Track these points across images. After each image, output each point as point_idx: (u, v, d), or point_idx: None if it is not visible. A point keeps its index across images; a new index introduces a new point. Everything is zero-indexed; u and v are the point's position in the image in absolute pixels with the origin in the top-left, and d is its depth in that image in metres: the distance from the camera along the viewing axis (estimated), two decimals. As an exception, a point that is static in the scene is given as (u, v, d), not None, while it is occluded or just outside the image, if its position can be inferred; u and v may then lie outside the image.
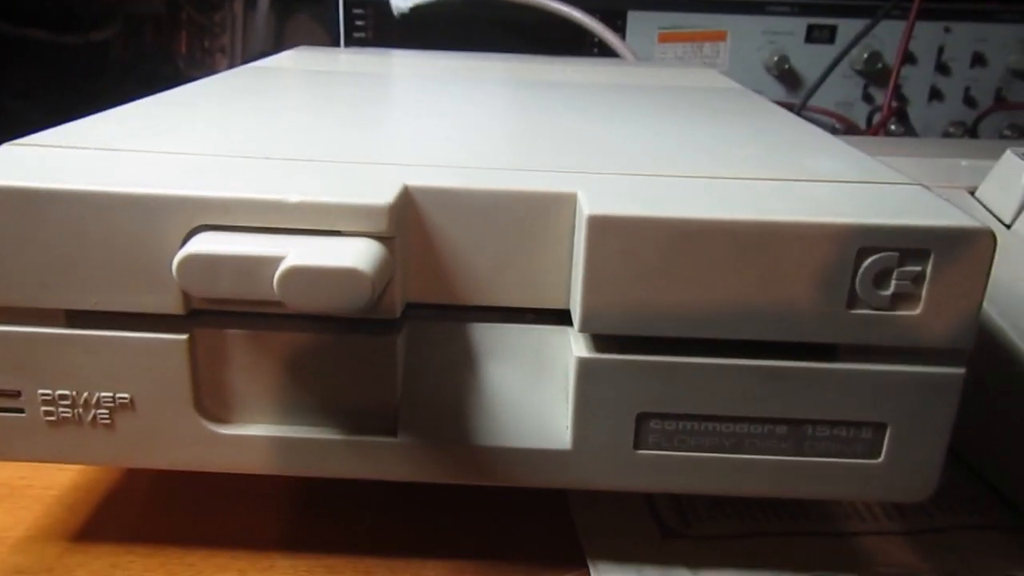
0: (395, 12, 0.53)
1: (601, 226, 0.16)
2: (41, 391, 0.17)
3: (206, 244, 0.15)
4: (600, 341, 0.17)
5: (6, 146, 0.18)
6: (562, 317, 0.18)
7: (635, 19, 0.56)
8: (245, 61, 0.77)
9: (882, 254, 0.16)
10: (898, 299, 0.16)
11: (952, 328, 0.16)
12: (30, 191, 0.16)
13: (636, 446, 0.17)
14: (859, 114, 0.58)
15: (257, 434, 0.18)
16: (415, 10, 0.53)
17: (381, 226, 0.16)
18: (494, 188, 0.17)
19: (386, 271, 0.16)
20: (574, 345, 0.17)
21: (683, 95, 0.31)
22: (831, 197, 0.17)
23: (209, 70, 0.76)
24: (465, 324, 0.18)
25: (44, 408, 0.17)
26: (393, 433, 0.17)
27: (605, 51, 0.54)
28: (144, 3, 0.66)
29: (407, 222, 0.17)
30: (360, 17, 0.56)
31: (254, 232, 0.16)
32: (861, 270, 0.16)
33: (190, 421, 0.17)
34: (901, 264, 0.16)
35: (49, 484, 0.22)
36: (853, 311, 0.16)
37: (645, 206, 0.16)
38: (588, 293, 0.16)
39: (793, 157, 0.20)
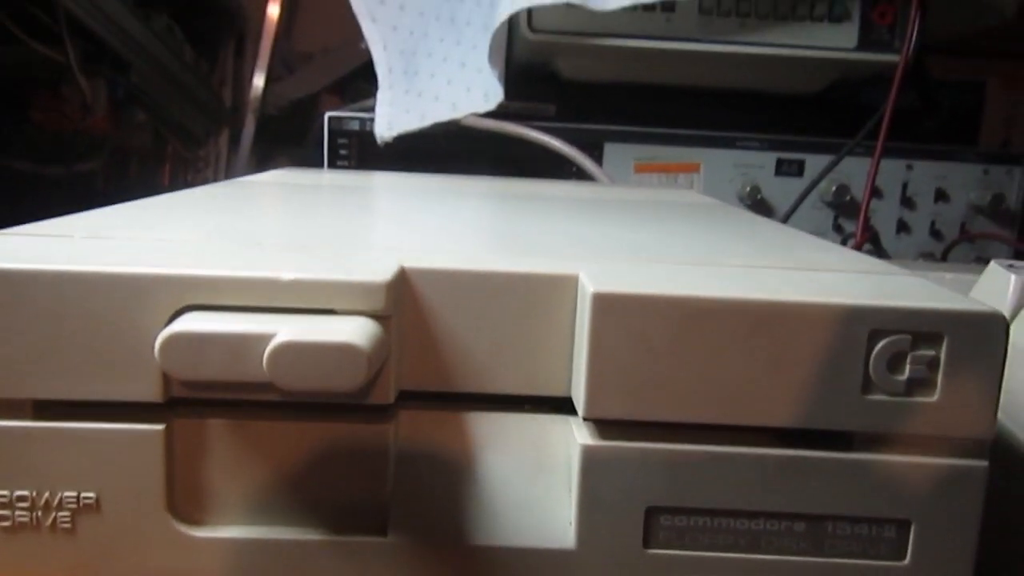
0: (379, 140, 0.55)
1: (606, 304, 0.15)
2: (-2, 491, 0.16)
3: (192, 322, 0.15)
4: (605, 428, 0.16)
5: (-14, 232, 0.17)
6: (562, 406, 0.17)
7: (611, 151, 0.58)
8: (227, 194, 0.78)
9: (895, 337, 0.15)
10: (914, 385, 0.15)
11: (971, 416, 0.16)
12: (5, 273, 0.15)
13: (646, 544, 0.16)
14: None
15: (235, 536, 0.16)
16: (398, 139, 0.55)
17: (378, 304, 0.15)
18: (493, 269, 0.16)
19: (382, 350, 0.15)
20: (577, 433, 0.16)
21: (669, 207, 0.31)
22: (838, 283, 0.17)
23: (190, 202, 0.76)
24: (461, 413, 0.17)
25: (-1, 511, 0.16)
26: (383, 532, 0.16)
27: (583, 179, 0.56)
28: (131, 137, 0.68)
29: (403, 304, 0.16)
30: (344, 146, 0.57)
31: (244, 312, 0.15)
32: (874, 353, 0.15)
33: (161, 523, 0.16)
34: (914, 348, 0.15)
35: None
36: (868, 397, 0.15)
37: (651, 285, 0.15)
38: (593, 376, 0.15)
39: (792, 252, 0.20)
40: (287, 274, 0.15)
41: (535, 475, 0.17)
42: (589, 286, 0.15)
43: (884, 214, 0.59)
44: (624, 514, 0.16)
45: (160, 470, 0.16)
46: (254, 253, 0.17)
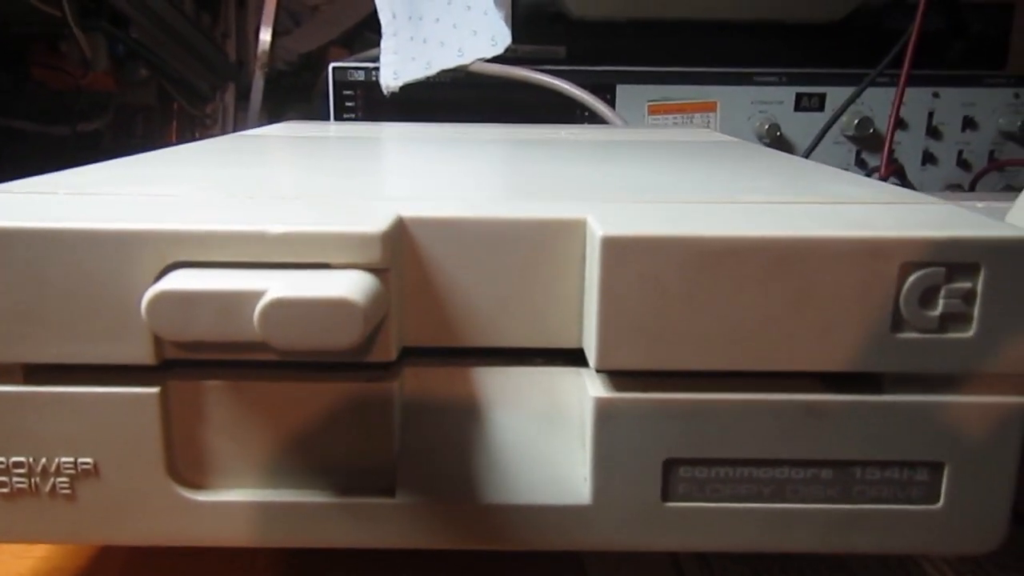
0: (385, 91, 0.53)
1: (616, 248, 0.14)
2: (-7, 458, 0.15)
3: (180, 280, 0.14)
4: (619, 379, 0.15)
5: (-35, 192, 0.17)
6: (574, 358, 0.16)
7: (624, 92, 0.56)
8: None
9: (927, 270, 0.14)
10: (948, 320, 0.14)
11: (1010, 351, 0.15)
12: (-16, 230, 0.14)
13: (664, 498, 0.15)
14: (854, 179, 0.57)
15: (238, 500, 0.16)
16: (405, 89, 0.53)
17: (374, 256, 0.14)
18: (495, 216, 0.15)
19: (380, 305, 0.14)
20: (590, 386, 0.15)
21: (685, 146, 0.30)
22: (864, 214, 0.16)
23: (200, 160, 0.76)
24: (468, 368, 0.16)
25: (-3, 478, 0.15)
26: (391, 493, 0.15)
27: (596, 122, 0.54)
28: (136, 94, 0.67)
29: (402, 256, 0.15)
30: (350, 98, 0.56)
31: (233, 268, 0.14)
32: (905, 288, 0.14)
33: (162, 488, 0.15)
34: (948, 280, 0.14)
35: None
36: (899, 335, 0.15)
37: (663, 225, 0.15)
38: (604, 325, 0.15)
39: (815, 185, 0.19)
40: (277, 227, 0.14)
41: (548, 430, 0.16)
42: (597, 229, 0.14)
43: (909, 145, 0.57)
44: (641, 467, 0.15)
45: (158, 434, 0.15)
46: (245, 205, 0.16)
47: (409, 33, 0.55)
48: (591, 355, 0.15)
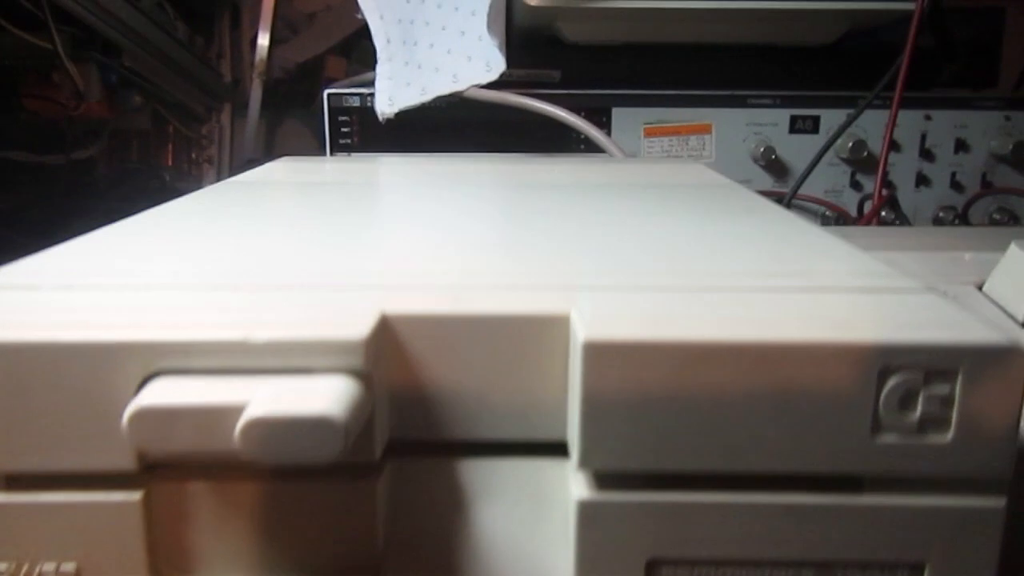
0: (380, 118, 0.53)
1: (599, 352, 0.14)
2: (-23, 564, 0.15)
3: (159, 395, 0.14)
4: (603, 479, 0.15)
5: (-51, 289, 0.17)
6: (559, 449, 0.16)
7: (620, 115, 0.56)
8: (234, 168, 0.77)
9: (906, 374, 0.14)
10: (926, 424, 0.15)
11: (987, 454, 0.15)
12: (-34, 342, 0.14)
13: (648, 597, 0.15)
14: (848, 201, 0.57)
15: (222, 599, 0.16)
16: (400, 115, 0.53)
17: (356, 362, 0.14)
18: (479, 312, 0.15)
19: (362, 413, 0.14)
20: (574, 486, 0.15)
21: (674, 193, 0.30)
22: (845, 310, 0.16)
23: (197, 180, 0.76)
24: (453, 461, 0.16)
25: (-19, 583, 0.15)
26: (375, 590, 0.16)
27: (591, 147, 0.54)
28: (130, 120, 0.67)
29: (385, 353, 0.15)
30: (346, 124, 0.56)
31: (216, 374, 0.14)
32: (884, 392, 0.14)
33: (146, 589, 0.16)
34: (927, 383, 0.14)
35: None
36: (878, 438, 0.15)
37: (645, 328, 0.15)
38: (587, 426, 0.15)
39: (797, 261, 0.19)
40: (259, 335, 0.14)
41: (532, 524, 0.16)
42: (580, 332, 0.14)
43: (903, 167, 0.57)
44: (624, 567, 0.15)
45: (141, 538, 0.15)
46: (229, 301, 0.16)
47: (404, 58, 0.55)
48: (574, 454, 0.15)
